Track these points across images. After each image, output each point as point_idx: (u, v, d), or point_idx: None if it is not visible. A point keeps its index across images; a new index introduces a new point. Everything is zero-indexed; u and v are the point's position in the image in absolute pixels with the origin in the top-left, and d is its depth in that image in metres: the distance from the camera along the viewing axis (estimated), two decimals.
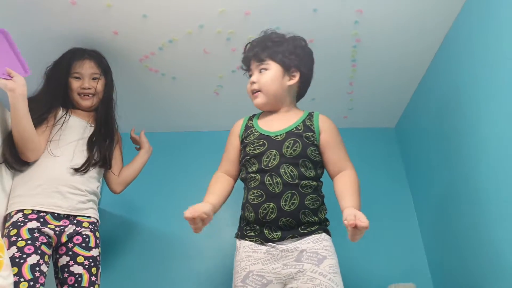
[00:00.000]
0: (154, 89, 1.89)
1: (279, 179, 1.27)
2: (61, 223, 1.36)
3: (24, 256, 1.23)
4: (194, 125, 2.14)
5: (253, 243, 1.29)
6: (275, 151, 1.31)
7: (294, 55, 1.38)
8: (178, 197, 2.03)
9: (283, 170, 1.28)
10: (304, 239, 1.26)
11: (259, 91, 1.38)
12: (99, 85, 1.56)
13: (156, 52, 1.69)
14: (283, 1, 1.50)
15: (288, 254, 1.24)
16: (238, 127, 1.44)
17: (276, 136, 1.34)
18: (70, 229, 1.37)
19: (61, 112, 1.51)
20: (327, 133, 1.36)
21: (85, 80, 1.53)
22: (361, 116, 2.12)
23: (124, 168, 1.63)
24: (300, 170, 1.29)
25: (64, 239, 1.35)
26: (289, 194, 1.26)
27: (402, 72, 1.84)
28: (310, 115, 1.40)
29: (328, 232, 1.32)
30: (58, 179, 1.38)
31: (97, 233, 1.43)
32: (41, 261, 1.25)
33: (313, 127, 1.36)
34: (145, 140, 1.69)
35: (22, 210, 1.32)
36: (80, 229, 1.38)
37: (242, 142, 1.41)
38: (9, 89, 1.26)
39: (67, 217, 1.37)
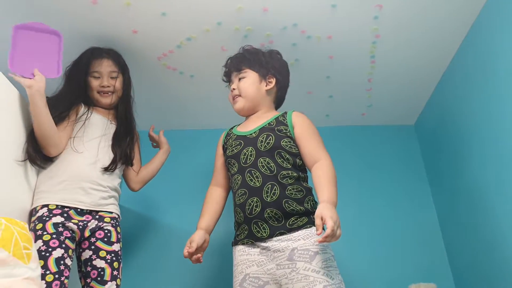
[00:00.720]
0: (172, 87, 1.90)
1: (258, 172, 1.33)
2: (84, 218, 1.38)
3: (50, 249, 1.25)
4: (212, 123, 2.14)
5: (245, 246, 1.31)
6: (251, 147, 1.38)
7: (270, 64, 1.51)
8: (195, 194, 2.01)
9: (260, 164, 1.34)
10: (294, 235, 1.25)
11: (239, 95, 1.49)
12: (118, 83, 1.58)
13: (175, 50, 1.70)
14: None
15: (280, 255, 1.25)
16: (221, 138, 1.56)
17: (250, 134, 1.42)
18: (93, 224, 1.39)
19: (82, 109, 1.54)
20: (299, 126, 1.40)
21: (104, 78, 1.56)
22: (379, 113, 2.10)
23: (143, 167, 1.65)
24: (277, 161, 1.34)
25: (87, 233, 1.38)
26: (269, 186, 1.30)
27: (422, 69, 1.81)
28: (284, 113, 1.46)
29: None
30: (81, 175, 1.40)
31: (118, 228, 1.45)
32: (65, 255, 1.28)
33: (286, 122, 1.41)
34: (164, 140, 1.72)
35: (47, 205, 1.34)
36: (102, 224, 1.41)
37: (223, 149, 1.50)
38: (27, 86, 1.31)
39: (90, 212, 1.40)
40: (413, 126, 2.19)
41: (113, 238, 1.41)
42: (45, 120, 1.34)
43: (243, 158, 1.38)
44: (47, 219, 1.31)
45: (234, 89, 1.50)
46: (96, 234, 1.39)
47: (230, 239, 1.46)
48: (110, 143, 1.51)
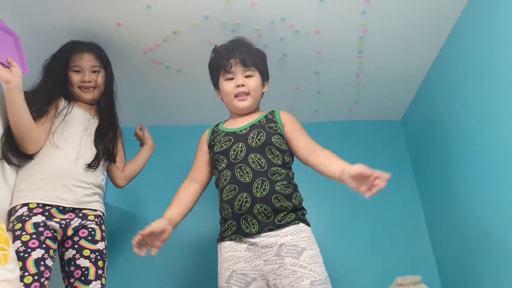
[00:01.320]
0: (159, 82, 1.87)
1: (248, 168, 1.31)
2: (66, 216, 1.34)
3: (29, 250, 1.21)
4: (199, 119, 2.11)
5: (233, 242, 1.29)
6: (241, 143, 1.36)
7: (266, 66, 1.52)
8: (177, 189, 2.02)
9: (251, 160, 1.33)
10: (282, 231, 1.25)
11: (248, 94, 1.44)
12: (99, 78, 1.54)
13: (161, 44, 1.67)
14: None
15: (268, 250, 1.24)
16: (205, 134, 1.52)
17: (240, 130, 1.41)
18: (76, 222, 1.35)
19: (62, 103, 1.49)
20: (289, 124, 1.42)
21: (85, 73, 1.52)
22: (367, 109, 2.10)
23: (128, 163, 1.63)
24: (268, 157, 1.33)
25: (70, 232, 1.34)
26: (260, 181, 1.29)
27: (408, 64, 1.82)
28: (271, 112, 1.47)
29: (306, 222, 1.31)
30: (62, 172, 1.36)
31: (103, 226, 1.42)
32: (45, 255, 1.23)
33: (275, 119, 1.43)
34: (149, 136, 1.71)
35: (27, 204, 1.30)
36: (86, 222, 1.37)
37: (209, 145, 1.47)
38: (5, 81, 1.24)
39: (73, 210, 1.36)
40: (400, 121, 2.21)
41: (98, 237, 1.37)
42: (23, 117, 1.29)
43: (233, 154, 1.36)
44: (27, 218, 1.27)
45: (243, 85, 1.43)
46: (80, 233, 1.35)
47: (213, 236, 1.45)
48: (92, 138, 1.47)
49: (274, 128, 1.40)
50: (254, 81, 1.45)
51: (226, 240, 1.31)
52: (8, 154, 1.32)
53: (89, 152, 1.44)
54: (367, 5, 1.53)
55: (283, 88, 1.92)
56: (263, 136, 1.36)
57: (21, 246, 1.21)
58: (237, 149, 1.36)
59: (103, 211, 1.46)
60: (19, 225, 1.25)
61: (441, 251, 1.83)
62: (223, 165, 1.37)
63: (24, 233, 1.24)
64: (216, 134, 1.46)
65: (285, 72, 1.82)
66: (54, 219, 1.31)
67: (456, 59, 1.62)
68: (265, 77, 1.51)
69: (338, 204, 1.97)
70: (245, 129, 1.40)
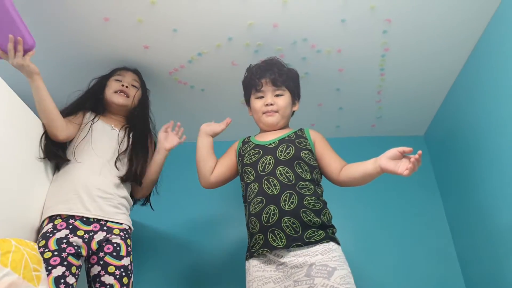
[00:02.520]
0: (183, 101, 1.92)
1: (276, 180, 1.32)
2: (91, 227, 1.33)
3: (50, 268, 1.21)
4: (222, 136, 2.13)
5: (261, 262, 1.28)
6: (269, 156, 1.38)
7: (297, 85, 1.56)
8: (206, 206, 2.06)
9: (278, 172, 1.34)
10: (311, 250, 1.24)
11: (276, 112, 1.48)
12: (137, 94, 1.62)
13: (186, 64, 1.72)
14: (311, 12, 1.50)
15: (298, 271, 1.22)
16: (236, 144, 1.55)
17: (270, 144, 1.43)
18: (100, 235, 1.34)
19: (88, 115, 1.55)
20: (320, 142, 1.46)
21: (125, 82, 1.60)
22: (389, 124, 2.10)
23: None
24: (296, 171, 1.34)
25: (94, 246, 1.33)
26: (287, 194, 1.29)
27: (431, 80, 1.81)
28: (300, 129, 1.50)
29: (336, 241, 1.30)
30: (86, 184, 1.37)
31: (128, 241, 1.40)
32: (67, 273, 1.23)
33: (305, 136, 1.46)
34: (159, 139, 1.60)
35: (52, 220, 1.32)
36: (111, 236, 1.36)
37: (239, 155, 1.48)
38: (36, 73, 1.33)
39: (98, 221, 1.36)
40: (423, 137, 2.19)
41: (123, 252, 1.35)
42: (49, 104, 1.36)
43: (261, 166, 1.37)
44: (50, 235, 1.28)
45: (272, 104, 1.47)
46: (105, 249, 1.33)
47: (241, 253, 1.47)
48: (118, 153, 1.49)
49: (304, 143, 1.42)
50: (283, 100, 1.48)
51: (254, 258, 1.29)
52: (49, 151, 1.39)
53: (114, 165, 1.46)
54: (389, 24, 1.54)
55: (304, 105, 1.92)
56: (292, 150, 1.38)
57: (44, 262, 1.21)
58: (265, 162, 1.37)
59: (130, 225, 1.45)
60: (42, 242, 1.27)
61: (469, 269, 1.79)
62: (251, 177, 1.38)
63: (46, 250, 1.25)
64: (246, 145, 1.48)
65: (307, 90, 1.83)
66: (78, 232, 1.31)
67: (480, 74, 1.61)
68: (295, 96, 1.54)
69: (360, 223, 1.96)
70: (274, 142, 1.42)
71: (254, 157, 1.41)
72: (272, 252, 1.27)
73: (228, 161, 1.51)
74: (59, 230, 1.30)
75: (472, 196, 1.72)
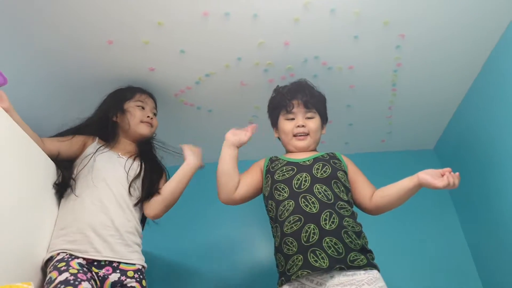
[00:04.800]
0: (190, 122, 1.86)
1: (314, 198, 1.25)
2: (103, 271, 1.25)
3: (79, 280, 1.13)
4: None
5: (301, 284, 1.18)
6: (305, 173, 1.31)
7: (325, 109, 1.53)
8: (213, 229, 1.98)
9: (316, 190, 1.27)
10: (357, 279, 1.15)
11: (307, 134, 1.44)
12: (156, 122, 1.59)
13: (193, 86, 1.67)
14: (323, 29, 1.47)
15: None
16: (262, 161, 1.48)
17: (304, 162, 1.37)
18: (115, 277, 1.25)
19: (95, 143, 1.45)
20: (353, 167, 1.44)
21: (148, 111, 1.56)
22: (399, 139, 2.06)
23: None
24: (334, 190, 1.29)
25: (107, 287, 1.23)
26: (327, 213, 1.23)
27: (442, 94, 1.79)
28: (331, 152, 1.46)
29: (377, 268, 1.23)
30: (94, 221, 1.28)
31: (143, 282, 1.29)
32: None
33: (338, 158, 1.43)
34: (186, 153, 1.50)
35: (64, 252, 1.23)
36: (125, 280, 1.26)
37: (267, 172, 1.40)
38: (7, 109, 1.19)
39: (110, 263, 1.26)
40: (433, 150, 2.16)
41: None
42: (24, 128, 1.25)
43: (297, 183, 1.29)
44: (70, 259, 1.20)
45: (303, 126, 1.44)
46: None
47: (262, 281, 1.39)
48: (128, 181, 1.40)
49: (339, 164, 1.38)
50: (314, 123, 1.45)
51: (293, 281, 1.18)
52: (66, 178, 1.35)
53: (123, 198, 1.36)
54: (402, 40, 1.51)
55: None
56: (329, 169, 1.33)
57: (70, 276, 1.13)
58: (301, 179, 1.30)
59: (143, 264, 1.34)
60: (62, 264, 1.18)
61: (490, 282, 1.74)
62: (285, 195, 1.29)
63: (71, 268, 1.16)
64: (276, 163, 1.40)
65: None
66: (94, 270, 1.23)
67: (490, 89, 1.61)
68: (324, 120, 1.51)
69: (374, 239, 1.90)
70: (308, 160, 1.37)
71: (288, 174, 1.33)
72: (313, 281, 1.17)
73: (253, 179, 1.42)
74: (77, 257, 1.22)
75: (487, 209, 1.69)
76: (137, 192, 1.42)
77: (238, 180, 1.38)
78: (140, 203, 1.41)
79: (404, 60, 1.60)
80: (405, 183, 1.27)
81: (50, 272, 1.19)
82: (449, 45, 1.54)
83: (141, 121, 1.52)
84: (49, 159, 1.36)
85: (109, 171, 1.39)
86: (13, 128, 1.21)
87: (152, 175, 1.46)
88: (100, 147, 1.44)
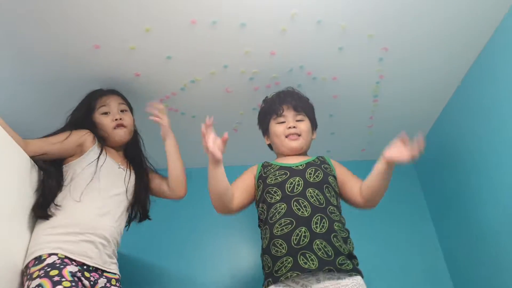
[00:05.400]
0: (174, 127, 1.81)
1: (307, 202, 1.28)
2: (92, 275, 1.25)
3: None
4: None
5: (287, 286, 1.19)
6: (298, 177, 1.34)
7: (314, 115, 1.57)
8: (194, 234, 1.97)
9: (309, 194, 1.30)
10: (342, 283, 1.18)
11: (299, 135, 1.46)
12: (128, 118, 1.51)
13: (178, 92, 1.67)
14: (309, 40, 1.49)
15: None
16: (255, 168, 1.48)
17: (297, 166, 1.39)
18: (102, 282, 1.26)
19: (96, 146, 1.41)
20: (341, 168, 1.48)
21: (114, 113, 1.48)
22: (379, 148, 2.08)
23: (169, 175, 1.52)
24: (326, 195, 1.32)
25: None
26: (319, 217, 1.26)
27: (422, 105, 1.85)
28: (321, 156, 1.50)
29: (361, 274, 1.27)
30: (93, 227, 1.28)
31: None
32: None
33: (327, 162, 1.46)
34: (165, 130, 1.53)
35: (55, 254, 1.20)
36: (110, 286, 1.28)
37: (259, 178, 1.41)
38: None
39: (95, 270, 1.26)
40: (413, 164, 2.21)
41: None
42: (6, 130, 1.23)
43: (289, 186, 1.32)
44: (62, 266, 1.17)
45: (294, 127, 1.46)
46: None
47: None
48: (125, 194, 1.41)
49: (329, 169, 1.41)
50: (305, 125, 1.48)
51: (281, 282, 1.19)
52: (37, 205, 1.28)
53: (118, 208, 1.37)
54: (385, 53, 1.55)
55: None
56: (321, 174, 1.35)
57: None
58: (293, 183, 1.33)
59: (119, 273, 1.36)
60: (55, 272, 1.14)
61: None
62: (277, 197, 1.31)
63: (63, 279, 1.13)
64: (268, 167, 1.42)
65: None
66: (85, 273, 1.21)
67: (470, 100, 1.66)
68: (314, 125, 1.54)
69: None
70: (301, 165, 1.39)
71: (280, 178, 1.35)
72: (299, 282, 1.19)
73: (247, 186, 1.42)
74: (68, 264, 1.18)
75: (465, 222, 1.73)
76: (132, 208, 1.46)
77: (232, 192, 1.37)
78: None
79: (386, 72, 1.64)
80: (379, 167, 1.32)
81: (39, 276, 1.14)
82: (430, 57, 1.59)
83: (113, 128, 1.46)
84: (32, 164, 1.32)
85: (110, 182, 1.39)
86: None
87: (144, 184, 1.49)
88: (101, 153, 1.40)
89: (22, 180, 1.29)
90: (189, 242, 1.94)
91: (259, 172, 1.44)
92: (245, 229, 1.96)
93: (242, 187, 1.41)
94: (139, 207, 1.46)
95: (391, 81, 1.69)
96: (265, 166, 1.44)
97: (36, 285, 1.12)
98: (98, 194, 1.34)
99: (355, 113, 1.85)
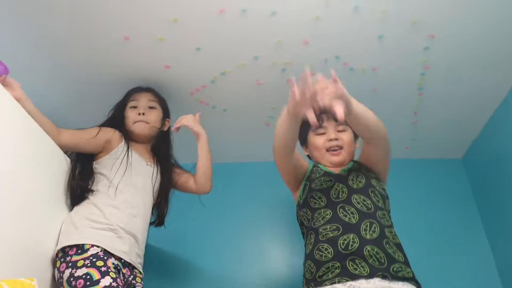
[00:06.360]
0: (204, 121, 1.80)
1: (353, 209, 1.19)
2: (125, 271, 1.25)
3: (120, 286, 1.14)
4: (243, 156, 2.04)
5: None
6: (341, 184, 1.27)
7: None
8: (226, 232, 1.93)
9: (355, 201, 1.21)
10: (393, 287, 1.07)
11: (341, 148, 1.35)
12: (155, 115, 1.50)
13: (208, 85, 1.62)
14: (345, 28, 1.39)
15: None
16: (306, 166, 1.40)
17: (340, 174, 1.32)
18: (132, 279, 1.28)
19: (123, 143, 1.42)
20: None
21: (141, 108, 1.49)
22: (424, 146, 1.95)
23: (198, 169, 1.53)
24: (372, 199, 1.23)
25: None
26: (368, 223, 1.16)
27: (474, 100, 1.68)
28: (356, 161, 1.39)
29: (420, 286, 1.16)
30: (124, 225, 1.28)
31: None
32: None
33: (360, 163, 1.36)
34: (196, 129, 1.54)
35: (98, 246, 1.20)
36: (136, 283, 1.29)
37: (307, 179, 1.35)
38: (16, 99, 1.15)
39: (129, 265, 1.27)
40: (461, 160, 2.04)
41: None
42: (40, 123, 1.23)
43: (334, 192, 1.25)
44: (106, 257, 1.18)
45: (336, 139, 1.35)
46: None
47: None
48: (149, 191, 1.41)
49: (369, 172, 1.32)
50: (347, 136, 1.37)
51: (324, 286, 1.10)
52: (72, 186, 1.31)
53: (148, 208, 1.40)
54: (431, 41, 1.41)
55: None
56: (363, 179, 1.27)
57: (113, 282, 1.13)
58: (338, 189, 1.26)
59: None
60: (101, 262, 1.16)
61: None
62: (321, 204, 1.25)
63: (110, 270, 1.15)
64: (315, 171, 1.36)
65: None
66: (122, 270, 1.23)
67: None
68: (356, 136, 1.41)
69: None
70: (344, 171, 1.32)
71: (325, 184, 1.28)
72: (346, 283, 1.09)
73: (301, 166, 1.35)
74: (109, 257, 1.20)
75: None
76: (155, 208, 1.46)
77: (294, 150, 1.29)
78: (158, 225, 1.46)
79: (433, 62, 1.50)
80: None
81: (86, 265, 1.16)
82: (482, 45, 1.43)
83: (134, 122, 1.47)
84: (62, 154, 1.33)
85: (140, 179, 1.40)
86: (26, 119, 1.18)
87: (168, 180, 1.48)
88: (128, 149, 1.41)
89: (54, 171, 1.29)
90: (220, 239, 1.90)
91: (309, 172, 1.36)
92: (276, 227, 1.90)
93: (300, 160, 1.34)
94: (159, 208, 1.45)
95: (438, 72, 1.54)
96: (313, 170, 1.37)
97: (84, 274, 1.14)
98: (131, 191, 1.35)
99: (398, 108, 1.71)
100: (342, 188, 1.25)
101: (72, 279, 1.13)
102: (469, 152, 1.97)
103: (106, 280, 1.12)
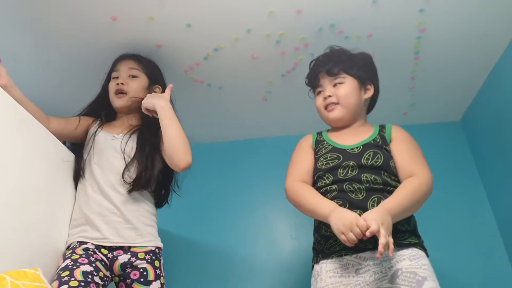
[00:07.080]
0: (200, 100, 1.79)
1: (361, 185, 1.16)
2: (114, 253, 1.23)
3: (78, 264, 1.13)
4: (242, 134, 2.03)
5: (338, 267, 1.12)
6: (352, 162, 1.20)
7: (367, 67, 1.35)
8: (229, 208, 1.94)
9: (364, 178, 1.17)
10: (398, 253, 1.09)
11: (337, 103, 1.29)
12: (136, 84, 1.40)
13: (201, 62, 1.59)
14: None
15: (381, 277, 1.08)
16: (310, 140, 1.34)
17: (352, 149, 1.24)
18: (124, 258, 1.23)
19: (93, 127, 1.40)
20: (397, 140, 1.26)
21: (120, 78, 1.41)
22: (422, 111, 1.94)
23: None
24: (384, 178, 1.18)
25: (117, 270, 1.22)
26: (375, 199, 1.13)
27: (471, 61, 1.65)
28: (382, 127, 1.32)
29: (426, 251, 1.16)
30: (98, 206, 1.25)
31: (156, 263, 1.26)
32: (95, 273, 1.14)
33: (386, 137, 1.28)
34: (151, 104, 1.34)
35: (84, 243, 1.23)
36: (135, 261, 1.23)
37: (315, 154, 1.31)
38: (2, 87, 1.11)
39: (121, 247, 1.24)
40: (460, 122, 2.03)
41: (150, 277, 1.23)
42: (29, 110, 1.19)
43: (342, 171, 1.19)
44: (77, 246, 1.21)
45: (330, 96, 1.29)
46: (131, 275, 1.22)
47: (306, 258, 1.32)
48: (125, 163, 1.31)
49: (389, 150, 1.23)
50: (343, 88, 1.29)
51: (329, 260, 1.14)
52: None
53: (121, 182, 1.29)
54: (426, 2, 1.38)
55: None
56: (380, 158, 1.19)
57: (70, 262, 1.14)
58: (347, 168, 1.19)
59: (157, 245, 1.30)
60: (69, 252, 1.20)
61: None
62: (327, 182, 1.21)
63: (74, 254, 1.18)
64: (320, 146, 1.29)
65: None
66: (102, 250, 1.22)
67: None
68: (364, 80, 1.33)
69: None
70: (357, 148, 1.23)
71: (332, 162, 1.22)
72: (353, 254, 1.13)
73: (311, 164, 1.28)
74: (85, 243, 1.23)
75: None
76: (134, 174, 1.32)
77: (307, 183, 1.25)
78: (136, 189, 1.29)
79: (429, 25, 1.46)
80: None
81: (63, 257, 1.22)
82: (480, 4, 1.39)
83: (114, 93, 1.40)
84: (55, 139, 1.30)
85: (104, 156, 1.32)
86: (13, 107, 1.13)
87: (148, 150, 1.33)
88: (97, 129, 1.38)
89: (51, 158, 1.27)
90: (226, 217, 1.91)
91: (314, 145, 1.32)
92: (282, 204, 1.91)
93: (309, 170, 1.26)
94: (140, 171, 1.30)
95: (434, 35, 1.51)
96: (318, 141, 1.31)
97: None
98: (96, 173, 1.30)
99: (395, 73, 1.69)
100: (352, 166, 1.19)
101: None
102: (468, 114, 1.96)
103: (64, 263, 1.15)
